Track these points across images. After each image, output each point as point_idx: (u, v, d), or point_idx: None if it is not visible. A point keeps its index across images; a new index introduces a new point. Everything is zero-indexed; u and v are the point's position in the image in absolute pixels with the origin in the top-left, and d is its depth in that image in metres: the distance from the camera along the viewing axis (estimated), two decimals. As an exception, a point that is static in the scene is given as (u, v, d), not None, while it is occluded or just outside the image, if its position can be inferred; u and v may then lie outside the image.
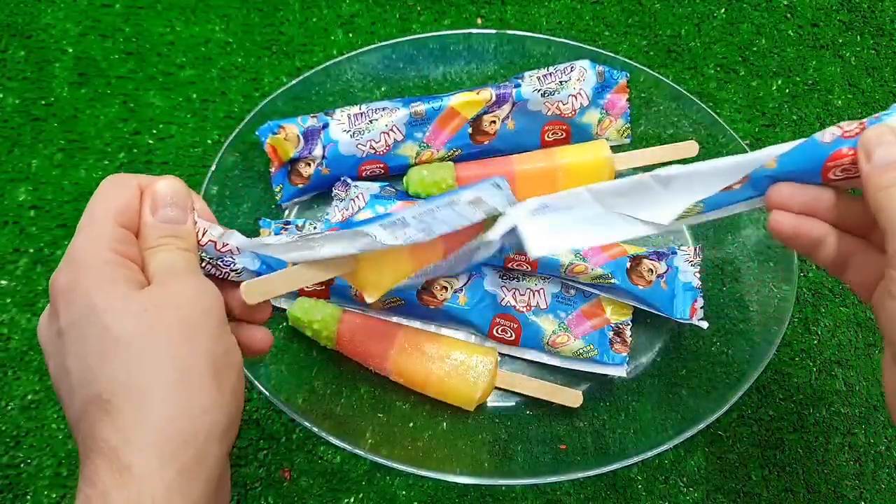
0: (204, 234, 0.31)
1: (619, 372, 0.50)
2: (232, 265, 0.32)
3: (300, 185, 0.55)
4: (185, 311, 0.28)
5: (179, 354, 0.26)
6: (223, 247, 0.31)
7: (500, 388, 0.49)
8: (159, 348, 0.26)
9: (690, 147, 0.53)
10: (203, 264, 0.32)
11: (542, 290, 0.50)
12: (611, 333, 0.50)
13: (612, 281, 0.49)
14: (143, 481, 0.24)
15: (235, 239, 0.32)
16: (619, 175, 0.54)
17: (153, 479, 0.24)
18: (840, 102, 0.62)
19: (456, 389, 0.47)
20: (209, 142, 0.58)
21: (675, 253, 0.52)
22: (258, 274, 0.32)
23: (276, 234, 0.53)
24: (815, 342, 0.53)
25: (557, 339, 0.49)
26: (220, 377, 0.27)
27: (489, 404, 0.50)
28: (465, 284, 0.50)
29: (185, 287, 0.29)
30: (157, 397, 0.25)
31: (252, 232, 0.54)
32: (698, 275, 0.51)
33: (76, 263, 0.27)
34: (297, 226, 0.53)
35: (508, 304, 0.50)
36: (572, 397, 0.48)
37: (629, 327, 0.50)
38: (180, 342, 0.27)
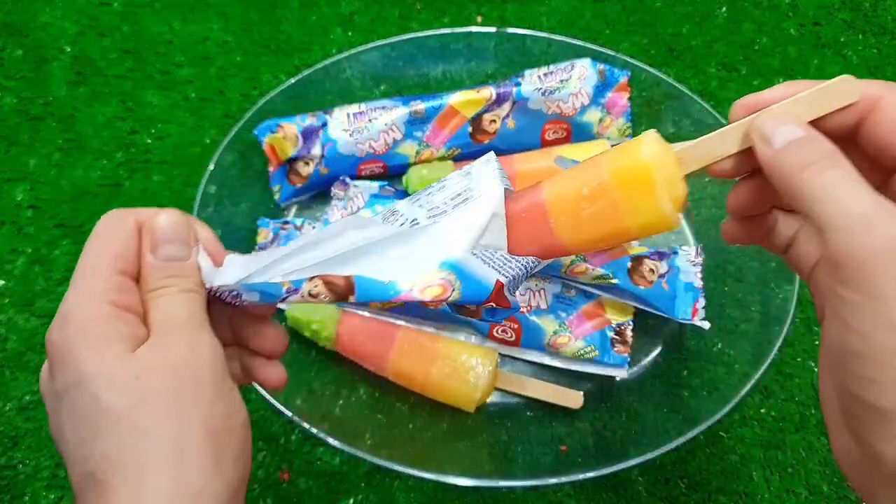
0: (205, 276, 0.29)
1: (620, 373, 0.49)
2: (237, 296, 0.30)
3: (299, 185, 0.54)
4: (180, 375, 0.26)
5: (174, 427, 0.25)
6: (227, 294, 0.29)
7: (500, 389, 0.49)
8: (152, 422, 0.24)
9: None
10: (210, 293, 0.30)
11: (542, 291, 0.50)
12: (612, 334, 0.49)
13: (613, 281, 0.49)
14: None
15: (231, 275, 0.29)
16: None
17: None
18: (842, 101, 0.61)
19: (456, 390, 0.47)
20: (207, 141, 0.57)
21: (677, 253, 0.52)
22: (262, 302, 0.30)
23: (274, 233, 0.53)
24: (817, 342, 0.53)
25: (558, 340, 0.49)
26: (221, 446, 0.26)
27: (489, 405, 0.49)
28: None
29: (181, 346, 0.27)
30: (152, 476, 0.24)
31: (251, 231, 0.54)
32: (700, 275, 0.51)
33: (68, 320, 0.26)
34: (295, 225, 0.53)
35: None
36: (573, 398, 0.48)
37: (630, 328, 0.50)
38: (174, 413, 0.25)
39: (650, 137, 0.28)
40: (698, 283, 0.51)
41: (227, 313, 0.31)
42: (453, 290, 0.28)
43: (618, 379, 0.50)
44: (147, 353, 0.26)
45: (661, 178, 0.27)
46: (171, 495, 0.24)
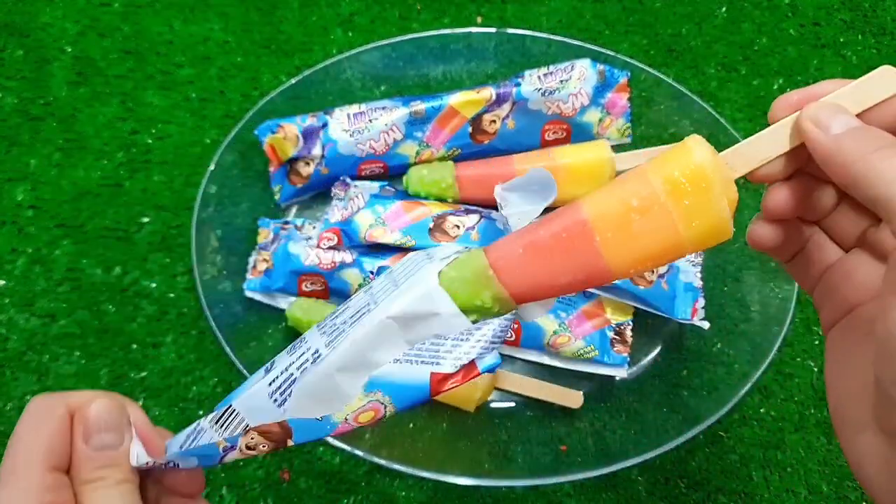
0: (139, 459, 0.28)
1: (620, 373, 0.49)
2: (174, 466, 0.29)
3: (299, 185, 0.55)
4: None
5: None
6: (163, 466, 0.28)
7: (500, 389, 0.49)
8: None
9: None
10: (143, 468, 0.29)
11: None
12: (611, 334, 0.49)
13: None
14: None
15: (170, 450, 0.29)
16: (619, 174, 0.53)
17: None
18: (841, 101, 0.61)
19: (456, 390, 0.47)
20: (208, 141, 0.57)
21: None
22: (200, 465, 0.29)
23: (275, 233, 0.53)
24: (817, 342, 0.53)
25: (558, 340, 0.49)
26: None
27: (489, 405, 0.49)
28: None
29: None
30: None
31: (251, 231, 0.54)
32: (699, 275, 0.51)
33: None
34: (296, 226, 0.53)
35: None
36: (573, 398, 0.48)
37: (630, 328, 0.50)
38: None
39: (697, 141, 0.26)
40: (698, 283, 0.51)
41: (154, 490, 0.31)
42: (386, 408, 0.28)
43: (617, 378, 0.50)
44: None
45: (717, 180, 0.25)
46: None
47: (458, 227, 0.49)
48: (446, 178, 0.53)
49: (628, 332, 0.50)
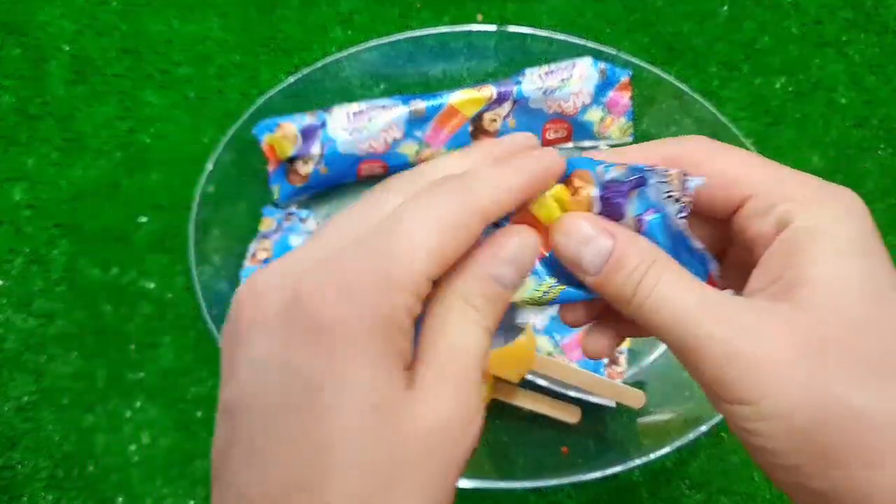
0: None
1: (609, 402, 0.48)
2: None
3: (298, 185, 0.54)
4: (438, 456, 0.19)
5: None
6: None
7: (497, 400, 0.48)
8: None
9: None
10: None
11: (540, 311, 0.50)
12: (606, 361, 0.49)
13: None
14: None
15: None
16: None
17: None
18: (844, 100, 0.61)
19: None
20: (206, 140, 0.57)
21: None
22: None
23: (278, 223, 0.53)
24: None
25: None
26: None
27: (490, 405, 0.49)
28: None
29: (442, 409, 0.19)
30: None
31: (250, 231, 0.53)
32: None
33: (363, 296, 0.18)
34: (300, 218, 0.53)
35: None
36: (571, 412, 0.47)
37: (624, 356, 0.49)
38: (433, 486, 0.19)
39: None
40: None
41: None
42: None
43: (618, 380, 0.50)
44: (420, 406, 0.19)
45: None
46: None
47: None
48: (446, 178, 0.53)
49: (623, 360, 0.49)
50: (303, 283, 0.19)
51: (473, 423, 0.20)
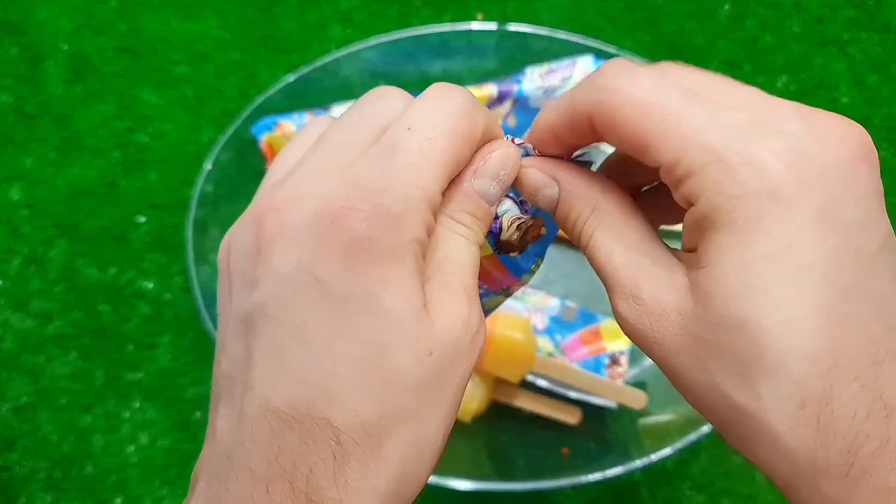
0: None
1: (610, 403, 0.47)
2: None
3: (297, 184, 0.54)
4: (452, 365, 0.20)
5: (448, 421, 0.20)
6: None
7: (497, 401, 0.48)
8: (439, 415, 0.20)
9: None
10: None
11: (540, 312, 0.49)
12: (607, 361, 0.49)
13: None
14: None
15: None
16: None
17: None
18: (846, 99, 0.61)
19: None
20: (204, 139, 0.57)
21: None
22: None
23: None
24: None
25: None
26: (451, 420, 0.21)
27: (490, 406, 0.49)
28: None
29: (454, 322, 0.20)
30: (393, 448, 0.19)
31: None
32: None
33: (401, 213, 0.19)
34: None
35: None
36: (571, 413, 0.47)
37: (625, 356, 0.49)
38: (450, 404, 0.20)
39: None
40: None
41: None
42: None
43: (609, 408, 0.49)
44: (432, 325, 0.20)
45: None
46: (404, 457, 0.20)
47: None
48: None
49: (624, 361, 0.49)
50: (330, 198, 0.19)
51: (480, 334, 0.21)
